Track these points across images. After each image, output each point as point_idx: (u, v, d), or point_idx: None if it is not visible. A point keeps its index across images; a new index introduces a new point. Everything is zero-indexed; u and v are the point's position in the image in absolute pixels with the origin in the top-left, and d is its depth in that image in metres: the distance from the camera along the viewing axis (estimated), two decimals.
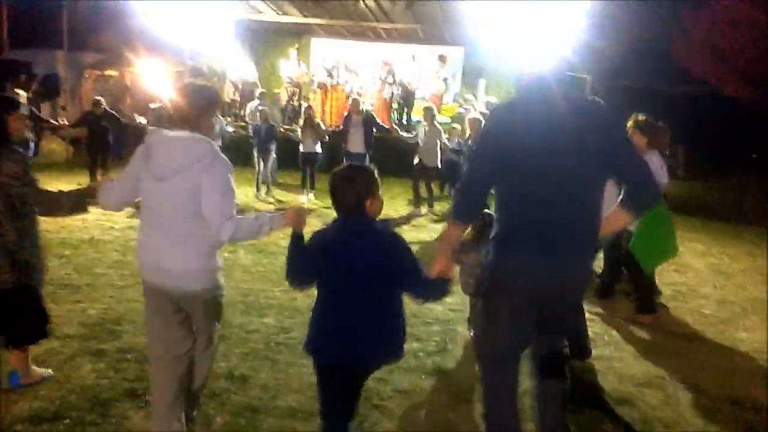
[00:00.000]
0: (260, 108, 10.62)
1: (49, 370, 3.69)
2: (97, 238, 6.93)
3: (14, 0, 19.11)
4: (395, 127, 11.16)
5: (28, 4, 19.17)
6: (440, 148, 9.68)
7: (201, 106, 2.76)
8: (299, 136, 10.33)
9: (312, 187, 10.08)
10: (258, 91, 12.32)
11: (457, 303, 5.18)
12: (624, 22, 13.81)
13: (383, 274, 2.47)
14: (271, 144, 10.27)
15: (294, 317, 4.86)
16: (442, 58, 14.16)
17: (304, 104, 12.86)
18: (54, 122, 11.34)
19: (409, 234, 8.04)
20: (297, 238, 2.60)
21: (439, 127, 9.85)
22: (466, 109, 12.28)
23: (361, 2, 12.81)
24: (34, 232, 3.39)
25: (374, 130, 10.09)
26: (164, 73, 13.97)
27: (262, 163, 10.24)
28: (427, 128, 9.66)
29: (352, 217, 2.52)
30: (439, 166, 9.77)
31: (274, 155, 10.47)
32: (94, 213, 8.21)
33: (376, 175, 2.59)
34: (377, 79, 14.55)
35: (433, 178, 9.90)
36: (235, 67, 14.48)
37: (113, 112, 10.73)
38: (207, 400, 3.45)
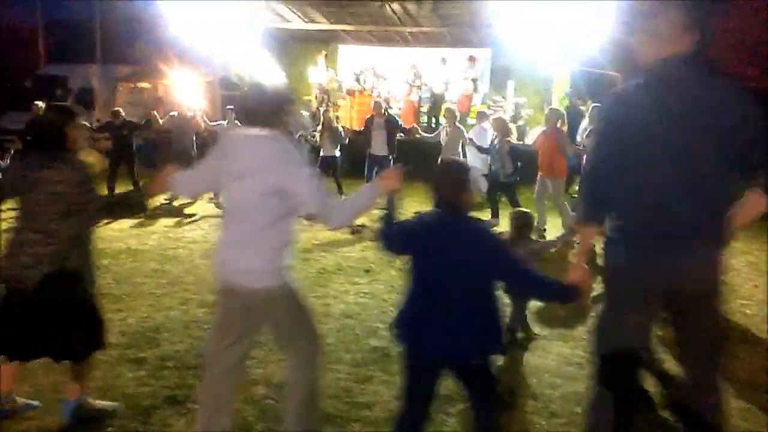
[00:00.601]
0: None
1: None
2: (135, 248, 7.06)
3: (49, 16, 19.61)
4: (417, 128, 11.15)
5: (63, 20, 19.67)
6: (462, 148, 9.70)
7: (273, 103, 2.80)
8: (318, 140, 10.39)
9: (340, 191, 10.04)
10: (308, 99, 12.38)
11: None
12: None
13: (480, 266, 2.54)
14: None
15: (327, 323, 4.89)
16: (471, 59, 14.10)
17: (322, 109, 12.93)
18: (90, 134, 11.61)
19: None
20: (391, 204, 2.78)
21: (461, 127, 9.86)
22: (494, 110, 12.22)
23: (387, 7, 12.84)
24: (88, 241, 3.35)
25: (397, 131, 10.13)
26: (195, 84, 14.19)
27: None
28: (449, 129, 9.71)
29: (450, 211, 2.61)
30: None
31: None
32: (131, 223, 8.38)
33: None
34: (405, 83, 14.57)
35: None
36: (264, 76, 14.65)
37: (132, 120, 10.94)
38: (245, 407, 3.49)
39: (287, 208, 2.69)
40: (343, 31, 14.80)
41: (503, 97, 14.17)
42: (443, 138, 9.76)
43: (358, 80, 14.98)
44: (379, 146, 9.90)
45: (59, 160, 3.14)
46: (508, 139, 8.61)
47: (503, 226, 8.31)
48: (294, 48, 15.68)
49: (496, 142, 8.75)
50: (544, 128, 8.46)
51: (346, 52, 15.68)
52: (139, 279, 5.92)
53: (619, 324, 2.57)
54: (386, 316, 5.07)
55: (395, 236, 2.75)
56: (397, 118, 10.93)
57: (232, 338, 2.76)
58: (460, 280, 2.52)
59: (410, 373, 2.66)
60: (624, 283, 2.54)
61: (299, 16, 14.18)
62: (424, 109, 14.63)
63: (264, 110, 2.76)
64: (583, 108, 12.14)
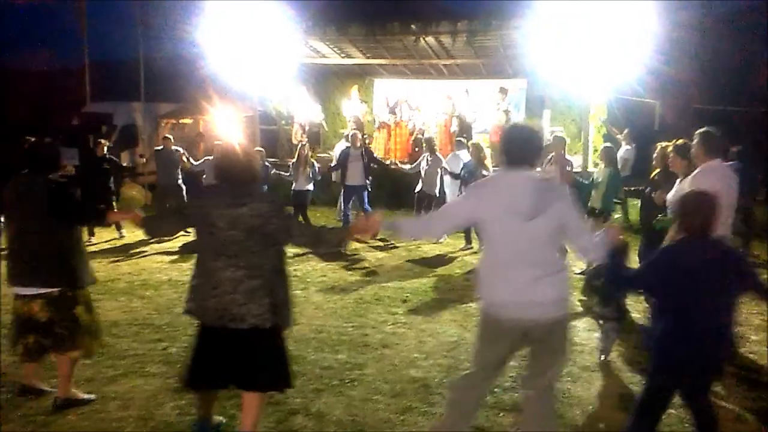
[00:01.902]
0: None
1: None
2: (176, 279, 7.18)
3: (95, 56, 20.37)
4: (394, 159, 11.64)
5: (107, 60, 20.43)
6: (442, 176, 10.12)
7: (540, 147, 3.04)
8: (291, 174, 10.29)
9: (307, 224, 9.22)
10: (347, 132, 12.53)
11: None
12: (693, 44, 13.48)
13: (731, 282, 2.97)
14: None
15: (366, 353, 4.87)
16: (502, 90, 14.15)
17: (296, 141, 13.18)
18: (134, 170, 11.96)
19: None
20: (619, 254, 3.08)
21: (440, 156, 10.27)
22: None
23: (422, 41, 13.02)
24: (286, 271, 3.31)
25: (372, 162, 10.43)
26: (234, 119, 14.52)
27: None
28: (429, 158, 10.08)
29: (705, 238, 2.98)
30: (437, 194, 10.16)
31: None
32: (173, 255, 8.54)
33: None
34: (440, 114, 14.65)
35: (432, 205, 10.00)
36: (302, 110, 14.90)
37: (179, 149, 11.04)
38: None
39: (560, 242, 3.06)
40: (379, 65, 15.01)
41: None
42: (423, 167, 10.18)
43: (393, 112, 15.13)
44: (356, 176, 10.13)
45: (251, 196, 3.14)
46: (485, 163, 9.04)
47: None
48: (330, 82, 15.95)
49: (472, 168, 8.99)
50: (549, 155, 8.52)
51: (381, 85, 15.87)
52: (180, 310, 5.96)
53: None
54: (424, 347, 5.03)
55: (648, 274, 3.09)
56: (371, 150, 11.35)
57: (494, 372, 3.11)
58: (719, 298, 2.93)
59: (657, 389, 3.07)
60: None
61: (336, 52, 14.45)
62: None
63: (534, 151, 2.98)
64: (619, 137, 12.03)
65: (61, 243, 3.75)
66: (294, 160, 10.51)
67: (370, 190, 10.26)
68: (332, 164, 10.99)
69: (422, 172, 10.18)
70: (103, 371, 4.41)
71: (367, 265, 8.16)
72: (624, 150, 11.55)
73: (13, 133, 7.40)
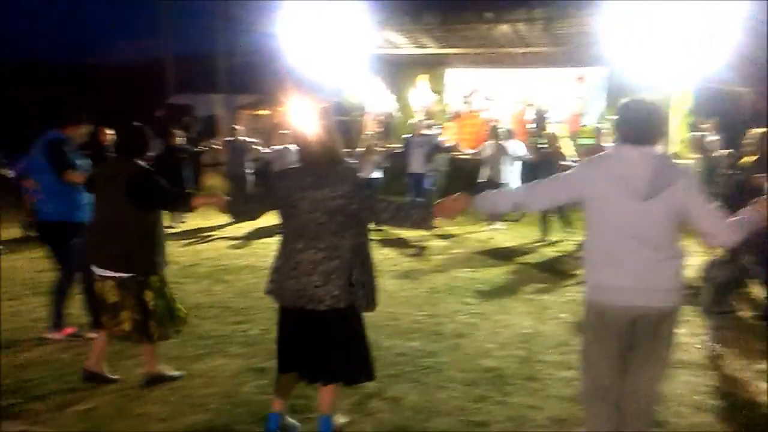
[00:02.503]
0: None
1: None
2: (254, 265, 7.41)
3: (177, 50, 21.16)
4: (457, 146, 11.68)
5: (189, 54, 21.18)
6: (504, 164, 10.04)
7: (661, 124, 2.89)
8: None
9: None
10: (426, 122, 12.67)
11: None
12: None
13: None
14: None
15: (439, 342, 4.89)
16: (580, 79, 13.81)
17: (367, 132, 13.29)
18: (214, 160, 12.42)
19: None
20: None
21: (504, 144, 10.13)
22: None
23: (497, 28, 12.82)
24: (368, 251, 3.24)
25: (436, 150, 10.57)
26: (309, 110, 14.77)
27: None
28: (493, 145, 10.11)
29: None
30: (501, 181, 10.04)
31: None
32: (251, 241, 8.81)
33: None
34: (514, 104, 14.44)
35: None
36: (375, 101, 15.00)
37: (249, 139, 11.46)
38: (362, 418, 3.57)
39: (678, 226, 2.78)
40: (452, 54, 14.89)
41: None
42: (486, 154, 10.17)
43: (466, 102, 15.01)
44: (417, 164, 10.30)
45: (333, 177, 3.11)
46: (561, 152, 8.91)
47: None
48: (402, 72, 15.94)
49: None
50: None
51: (455, 74, 15.76)
52: (259, 294, 6.12)
53: None
54: (498, 337, 5.01)
55: None
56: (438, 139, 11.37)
57: (617, 360, 2.83)
58: None
59: None
60: None
61: (409, 42, 14.44)
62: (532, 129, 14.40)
63: (654, 128, 2.79)
64: (705, 126, 11.49)
65: (137, 228, 3.82)
66: (360, 149, 10.72)
67: (431, 177, 10.44)
68: (395, 152, 11.11)
69: (486, 160, 10.24)
70: (188, 351, 4.62)
71: (438, 254, 8.17)
72: (710, 140, 11.03)
73: (103, 124, 7.77)
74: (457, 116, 14.95)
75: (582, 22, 11.87)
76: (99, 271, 3.89)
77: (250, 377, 4.16)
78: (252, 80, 18.20)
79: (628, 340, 2.81)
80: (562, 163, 8.55)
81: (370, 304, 3.21)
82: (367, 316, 3.25)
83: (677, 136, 11.45)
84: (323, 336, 3.14)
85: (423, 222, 3.21)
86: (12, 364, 4.38)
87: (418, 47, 14.66)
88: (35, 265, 7.21)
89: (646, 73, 10.17)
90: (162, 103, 19.26)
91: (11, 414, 3.62)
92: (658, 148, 2.77)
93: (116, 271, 3.82)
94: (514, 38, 13.48)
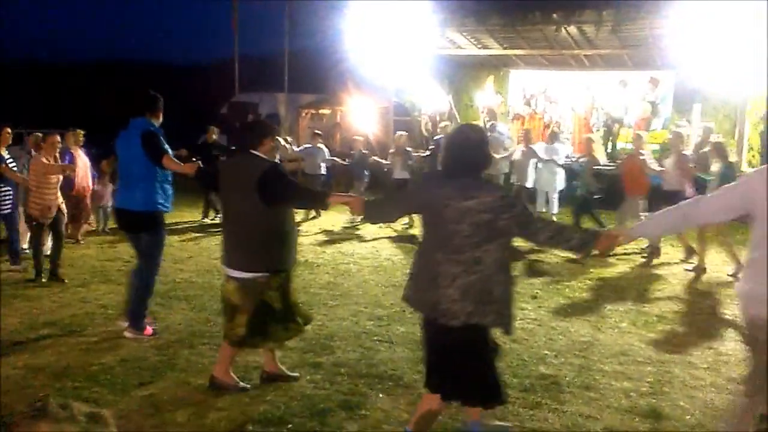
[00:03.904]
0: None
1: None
2: (311, 261, 7.53)
3: (242, 50, 21.66)
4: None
5: (254, 53, 21.63)
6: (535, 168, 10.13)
7: None
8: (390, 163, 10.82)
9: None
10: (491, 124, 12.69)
11: (674, 344, 4.89)
12: None
13: None
14: None
15: None
16: (653, 81, 13.36)
17: (425, 133, 13.39)
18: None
19: None
20: None
21: (534, 148, 10.19)
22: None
23: (563, 30, 12.59)
24: (509, 266, 3.05)
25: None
26: (370, 110, 14.90)
27: None
28: (524, 149, 10.16)
29: None
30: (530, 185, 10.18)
31: None
32: (309, 238, 8.96)
33: None
34: (579, 106, 14.14)
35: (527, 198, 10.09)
36: (433, 101, 14.98)
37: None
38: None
39: None
40: (516, 55, 14.71)
41: (688, 121, 13.21)
42: (516, 156, 10.22)
43: (528, 104, 14.81)
44: None
45: (479, 188, 2.92)
46: (594, 157, 8.88)
47: None
48: (465, 73, 15.86)
49: (582, 161, 9.06)
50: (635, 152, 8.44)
51: (517, 76, 15.56)
52: (315, 290, 6.28)
53: None
54: (554, 344, 4.93)
55: None
56: None
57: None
58: None
59: None
60: None
61: (472, 43, 14.35)
62: (600, 133, 14.04)
63: None
64: None
65: (266, 226, 3.68)
66: (392, 150, 10.90)
67: None
68: (426, 153, 11.09)
69: (514, 164, 10.31)
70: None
71: None
72: None
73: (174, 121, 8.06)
74: (518, 118, 14.77)
75: (651, 24, 11.55)
76: (227, 271, 3.82)
77: (304, 371, 4.22)
78: (314, 80, 18.50)
79: None
80: (596, 167, 8.72)
81: (506, 323, 3.03)
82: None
83: (748, 144, 10.96)
84: (453, 354, 2.97)
85: (581, 248, 3.13)
86: (79, 347, 4.60)
87: (480, 48, 14.55)
88: (103, 253, 7.53)
89: (717, 77, 9.82)
90: (228, 100, 19.74)
91: (77, 396, 3.79)
92: None
93: (243, 272, 3.72)
94: (581, 39, 13.22)
